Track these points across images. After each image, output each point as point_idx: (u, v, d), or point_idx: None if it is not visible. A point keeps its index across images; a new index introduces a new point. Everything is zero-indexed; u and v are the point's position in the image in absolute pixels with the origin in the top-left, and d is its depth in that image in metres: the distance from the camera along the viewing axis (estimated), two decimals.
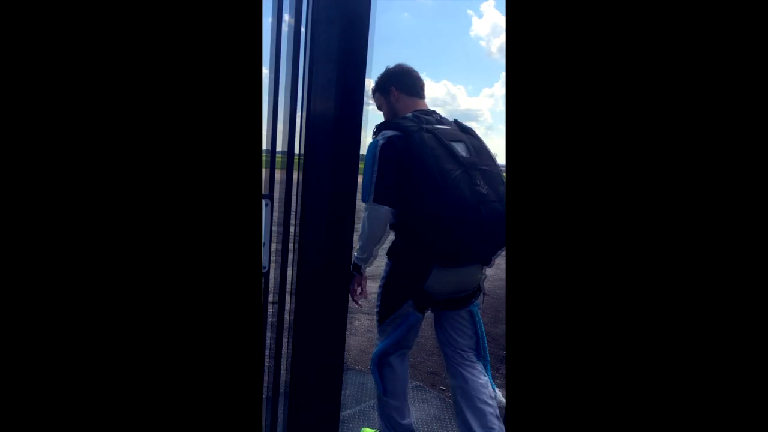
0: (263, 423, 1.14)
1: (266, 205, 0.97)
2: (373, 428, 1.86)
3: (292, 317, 1.10)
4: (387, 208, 1.38)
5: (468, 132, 1.55)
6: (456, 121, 1.60)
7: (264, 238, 0.98)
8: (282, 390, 1.14)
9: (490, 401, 1.49)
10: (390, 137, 1.39)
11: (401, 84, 1.57)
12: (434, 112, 1.56)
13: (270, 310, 1.11)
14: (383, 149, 1.38)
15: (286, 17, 1.00)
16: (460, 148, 1.45)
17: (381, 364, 1.55)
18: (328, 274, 1.11)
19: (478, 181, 1.38)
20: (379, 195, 1.38)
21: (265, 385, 1.11)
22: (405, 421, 1.56)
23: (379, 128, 1.48)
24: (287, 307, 1.10)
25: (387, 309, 1.51)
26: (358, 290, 1.54)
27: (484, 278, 1.57)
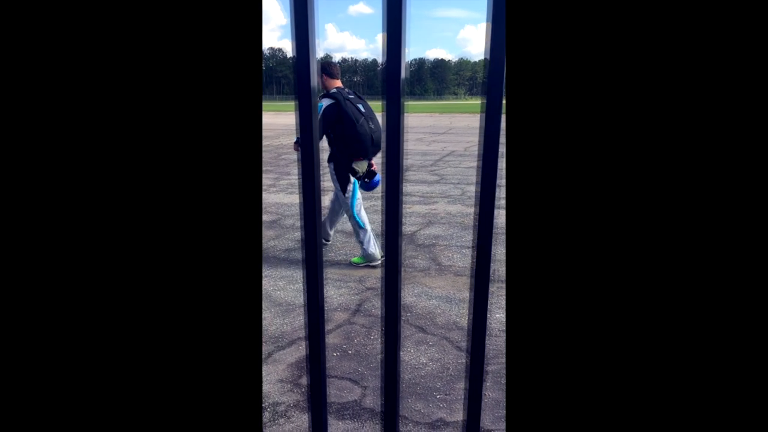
0: None
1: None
2: (358, 257, 3.60)
3: None
4: (321, 138, 3.18)
5: (361, 98, 3.42)
6: (355, 92, 3.44)
7: None
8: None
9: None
10: (330, 104, 3.22)
11: (329, 73, 3.36)
12: (344, 88, 3.33)
13: None
14: (326, 110, 3.19)
15: None
16: (362, 107, 3.31)
17: (358, 211, 3.50)
18: None
19: (370, 124, 3.33)
20: (320, 132, 3.20)
21: None
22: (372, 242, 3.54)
23: (321, 97, 3.25)
24: None
25: (345, 185, 3.42)
26: (297, 148, 3.26)
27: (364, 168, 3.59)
